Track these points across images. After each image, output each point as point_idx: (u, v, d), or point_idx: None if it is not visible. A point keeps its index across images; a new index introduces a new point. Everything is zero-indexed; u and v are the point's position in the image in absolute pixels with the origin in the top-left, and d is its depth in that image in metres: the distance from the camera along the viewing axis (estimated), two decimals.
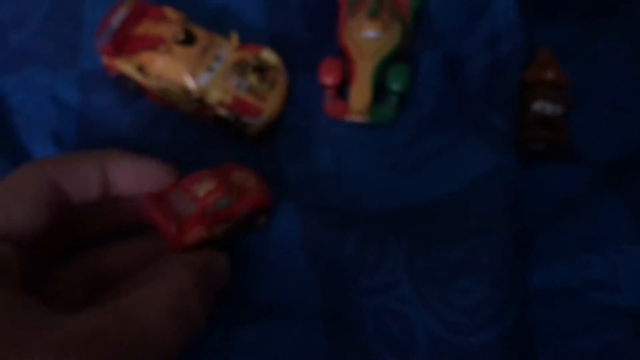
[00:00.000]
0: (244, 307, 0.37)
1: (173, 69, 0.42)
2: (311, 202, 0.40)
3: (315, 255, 0.38)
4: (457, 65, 0.45)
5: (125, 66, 0.43)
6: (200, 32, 0.44)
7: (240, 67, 0.44)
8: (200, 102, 0.43)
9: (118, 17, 0.43)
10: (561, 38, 0.46)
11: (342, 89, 0.44)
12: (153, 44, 0.43)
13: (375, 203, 0.40)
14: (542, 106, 0.42)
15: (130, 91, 0.45)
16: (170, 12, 0.44)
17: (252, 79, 0.43)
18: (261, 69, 0.44)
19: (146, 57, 0.43)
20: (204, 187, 0.35)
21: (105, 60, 0.44)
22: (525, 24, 0.45)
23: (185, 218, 0.34)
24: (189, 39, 0.43)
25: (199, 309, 0.30)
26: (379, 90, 0.43)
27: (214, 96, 0.42)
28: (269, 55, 0.45)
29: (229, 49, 0.44)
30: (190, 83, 0.42)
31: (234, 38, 0.44)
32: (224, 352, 0.35)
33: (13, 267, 0.29)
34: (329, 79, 0.44)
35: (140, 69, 0.43)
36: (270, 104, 0.43)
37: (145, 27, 0.44)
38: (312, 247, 0.38)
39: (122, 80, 0.44)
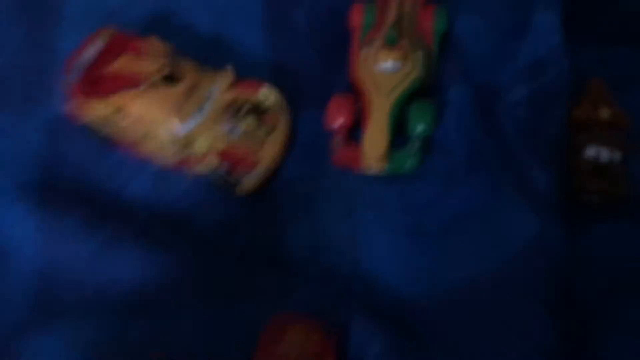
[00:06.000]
0: None
1: (156, 111, 0.37)
2: (318, 283, 0.34)
3: None
4: (491, 100, 0.39)
5: (100, 109, 0.38)
6: (187, 67, 0.39)
7: (233, 109, 0.39)
8: (184, 151, 0.37)
9: (91, 51, 0.39)
10: (612, 66, 0.40)
11: (355, 132, 0.39)
12: (132, 82, 0.38)
13: (399, 286, 0.34)
14: (597, 152, 0.37)
15: (101, 141, 0.40)
16: (155, 44, 0.39)
17: (248, 123, 0.38)
18: (259, 110, 0.39)
19: (124, 97, 0.38)
20: None
21: (74, 102, 0.39)
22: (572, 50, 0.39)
23: None
24: (172, 77, 0.38)
25: None
26: (399, 133, 0.38)
27: (202, 144, 0.37)
28: (268, 94, 0.40)
29: (221, 87, 0.39)
30: (176, 127, 0.37)
31: (228, 74, 0.39)
32: None
33: None
34: (337, 121, 0.38)
35: (117, 112, 0.38)
36: (268, 152, 0.38)
37: (124, 63, 0.39)
38: None
39: (90, 128, 0.39)
